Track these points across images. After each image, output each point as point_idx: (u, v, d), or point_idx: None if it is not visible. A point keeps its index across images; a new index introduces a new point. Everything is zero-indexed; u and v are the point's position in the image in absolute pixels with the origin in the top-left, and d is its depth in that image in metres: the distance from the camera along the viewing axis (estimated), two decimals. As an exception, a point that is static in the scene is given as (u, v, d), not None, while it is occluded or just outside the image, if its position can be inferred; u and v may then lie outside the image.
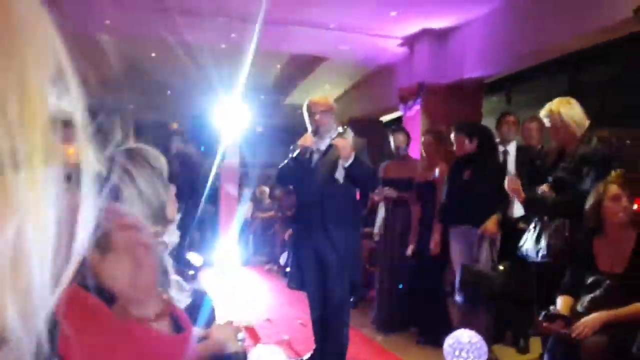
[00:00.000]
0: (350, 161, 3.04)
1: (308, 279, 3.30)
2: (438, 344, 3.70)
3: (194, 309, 1.62)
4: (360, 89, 9.26)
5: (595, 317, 2.32)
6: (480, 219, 3.49)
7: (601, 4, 4.28)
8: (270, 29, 6.31)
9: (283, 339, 4.02)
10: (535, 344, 3.88)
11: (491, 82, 6.81)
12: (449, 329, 3.75)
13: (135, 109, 11.34)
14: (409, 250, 4.06)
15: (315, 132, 3.26)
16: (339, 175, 3.10)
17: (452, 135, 3.83)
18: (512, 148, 4.15)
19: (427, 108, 6.47)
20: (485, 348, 3.18)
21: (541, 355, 2.63)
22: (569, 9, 4.62)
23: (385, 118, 9.24)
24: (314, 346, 3.44)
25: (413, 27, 6.39)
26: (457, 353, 3.15)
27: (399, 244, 4.29)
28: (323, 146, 3.26)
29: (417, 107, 6.59)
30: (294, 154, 3.25)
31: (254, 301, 5.29)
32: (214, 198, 6.80)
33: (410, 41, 6.77)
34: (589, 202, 2.59)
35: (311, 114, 3.30)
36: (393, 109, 7.71)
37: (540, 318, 2.46)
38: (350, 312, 3.40)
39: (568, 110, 3.04)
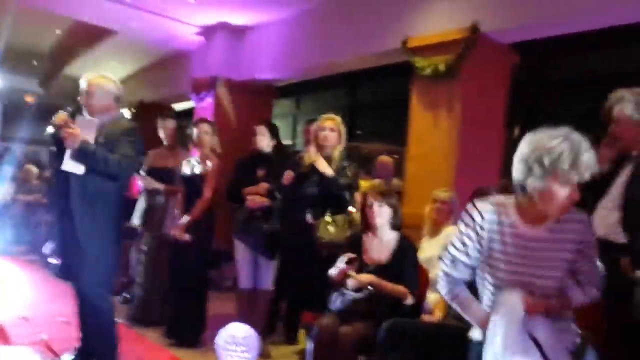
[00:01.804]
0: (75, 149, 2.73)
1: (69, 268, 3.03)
2: (189, 343, 3.77)
3: None
4: (153, 72, 8.82)
5: (367, 276, 2.74)
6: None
7: (376, 33, 4.82)
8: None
9: (40, 339, 3.63)
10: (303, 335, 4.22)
11: (284, 86, 7.15)
12: (200, 327, 3.83)
13: None
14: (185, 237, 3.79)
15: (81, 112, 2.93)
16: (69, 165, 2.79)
17: (258, 130, 3.92)
18: None
19: (220, 102, 6.50)
20: (257, 342, 3.34)
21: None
22: (351, 32, 5.11)
23: (179, 106, 8.99)
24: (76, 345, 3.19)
25: (211, 18, 6.35)
26: (230, 347, 3.25)
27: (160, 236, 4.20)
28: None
29: (210, 99, 6.57)
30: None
31: (9, 296, 4.66)
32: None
33: (207, 32, 6.71)
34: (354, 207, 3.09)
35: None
36: (185, 98, 7.54)
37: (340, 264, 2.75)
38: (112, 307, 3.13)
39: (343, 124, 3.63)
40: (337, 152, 3.55)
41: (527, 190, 1.73)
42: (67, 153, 2.77)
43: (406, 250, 2.88)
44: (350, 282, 2.76)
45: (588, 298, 1.89)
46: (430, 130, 4.27)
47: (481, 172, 4.08)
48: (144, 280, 4.27)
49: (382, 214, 2.91)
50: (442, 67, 4.11)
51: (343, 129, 3.59)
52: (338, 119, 3.60)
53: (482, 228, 1.82)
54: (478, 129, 4.17)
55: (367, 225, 2.98)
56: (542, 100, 4.84)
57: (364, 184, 3.89)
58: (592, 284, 1.88)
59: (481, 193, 2.71)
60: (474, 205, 1.86)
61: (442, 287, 1.94)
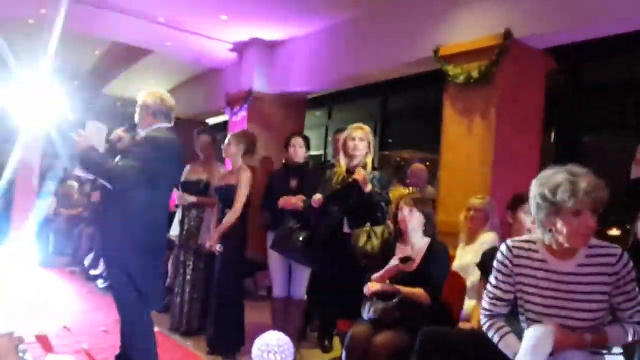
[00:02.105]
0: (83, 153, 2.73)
1: None
2: (229, 353, 3.77)
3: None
4: (187, 88, 9.05)
5: (375, 284, 2.81)
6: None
7: (407, 43, 4.83)
8: (89, 10, 5.86)
9: (81, 348, 3.72)
10: (338, 343, 4.20)
11: (315, 97, 7.22)
12: (239, 336, 3.82)
13: None
14: (216, 248, 3.80)
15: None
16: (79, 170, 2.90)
17: (293, 141, 3.98)
18: None
19: (253, 115, 6.60)
20: (292, 349, 3.34)
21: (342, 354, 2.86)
22: (382, 43, 5.13)
23: (213, 121, 9.16)
24: (114, 354, 3.27)
25: (243, 34, 6.48)
26: (265, 355, 3.26)
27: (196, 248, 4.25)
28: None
29: (244, 113, 6.67)
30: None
31: (51, 306, 4.80)
32: (7, 190, 6.03)
33: (239, 48, 6.85)
34: (389, 214, 3.07)
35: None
36: (219, 113, 7.69)
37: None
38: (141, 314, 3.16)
39: (372, 133, 3.64)
40: (367, 162, 3.52)
41: (542, 225, 1.82)
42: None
43: (436, 255, 2.85)
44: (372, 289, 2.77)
45: (631, 336, 1.84)
46: (464, 137, 4.22)
47: (518, 179, 4.00)
48: (182, 291, 4.33)
49: (412, 220, 2.89)
50: (475, 74, 4.08)
51: (372, 138, 3.57)
52: (367, 128, 3.57)
53: (512, 263, 1.90)
54: (513, 135, 4.10)
55: (398, 231, 2.97)
56: (578, 105, 4.75)
57: (396, 192, 3.88)
58: (636, 321, 1.84)
59: (519, 200, 2.67)
60: (504, 242, 1.96)
61: (482, 320, 2.00)
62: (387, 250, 2.98)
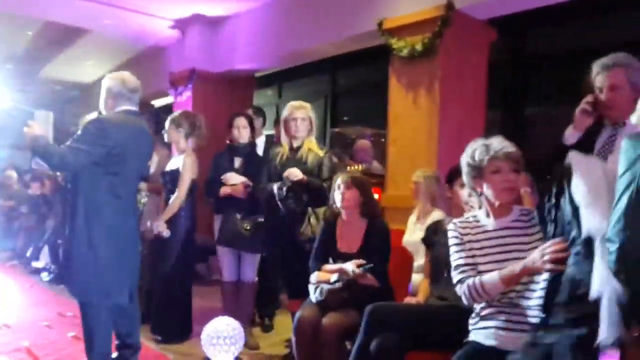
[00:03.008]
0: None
1: None
2: (176, 339, 3.71)
3: None
4: (130, 69, 8.48)
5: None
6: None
7: (352, 16, 4.74)
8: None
9: (21, 345, 3.54)
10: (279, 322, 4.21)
11: (265, 76, 7.05)
12: (185, 322, 3.77)
13: None
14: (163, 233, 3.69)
15: None
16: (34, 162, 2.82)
17: (237, 122, 3.82)
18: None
19: (199, 95, 6.40)
20: (242, 334, 3.29)
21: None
22: (327, 17, 5.03)
23: (159, 102, 8.86)
24: (57, 350, 3.15)
25: (184, 10, 6.23)
26: (214, 341, 3.19)
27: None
28: None
29: (189, 93, 6.46)
30: None
31: (-10, 304, 4.57)
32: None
33: (181, 25, 6.59)
34: (331, 192, 2.97)
35: None
36: (164, 94, 7.42)
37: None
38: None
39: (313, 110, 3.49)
40: (311, 142, 3.40)
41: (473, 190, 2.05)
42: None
43: (375, 236, 2.82)
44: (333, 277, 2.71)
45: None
46: (410, 112, 4.20)
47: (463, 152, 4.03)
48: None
49: (351, 199, 2.84)
50: (419, 47, 4.04)
51: (314, 116, 3.44)
52: (308, 105, 3.43)
53: (461, 234, 2.06)
54: (459, 107, 4.11)
55: (338, 211, 2.92)
56: (522, 76, 4.79)
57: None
58: None
59: (454, 174, 2.63)
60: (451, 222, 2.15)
61: (459, 292, 2.01)
62: (328, 232, 2.92)
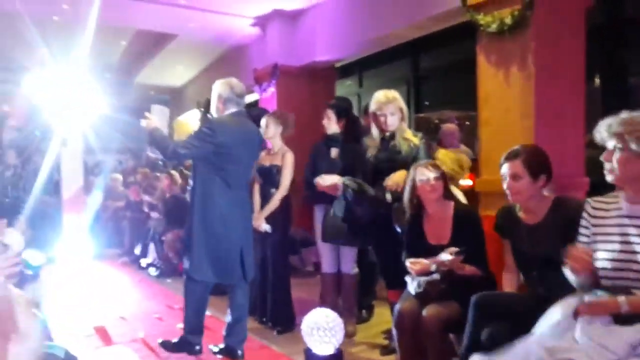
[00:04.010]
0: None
1: None
2: (282, 329, 3.84)
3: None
4: (215, 69, 9.01)
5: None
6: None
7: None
8: (111, 1, 5.84)
9: (138, 336, 3.82)
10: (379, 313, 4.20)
11: (344, 66, 7.03)
12: (288, 313, 3.90)
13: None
14: (264, 228, 3.84)
15: None
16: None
17: (325, 113, 3.89)
18: None
19: (283, 90, 6.50)
20: (341, 326, 3.32)
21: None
22: (404, 0, 4.89)
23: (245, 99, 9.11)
24: (172, 339, 3.44)
25: (264, 7, 6.34)
26: (314, 332, 3.25)
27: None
28: None
29: (272, 89, 6.58)
30: None
31: (107, 298, 4.95)
32: (54, 189, 6.20)
33: (262, 22, 6.72)
34: (407, 186, 2.88)
35: None
36: (249, 91, 7.61)
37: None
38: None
39: (400, 96, 3.38)
40: (405, 131, 3.33)
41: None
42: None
43: (464, 222, 2.72)
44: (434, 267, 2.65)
45: None
46: (502, 91, 4.00)
47: (563, 129, 3.78)
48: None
49: (439, 189, 2.77)
50: (508, 21, 3.81)
51: (403, 105, 3.36)
52: (395, 97, 3.34)
53: (590, 215, 1.96)
54: (555, 83, 3.85)
55: (419, 203, 2.83)
56: (623, 44, 4.41)
57: (445, 156, 3.73)
58: None
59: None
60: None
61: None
62: (415, 227, 2.86)
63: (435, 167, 2.85)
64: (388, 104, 3.29)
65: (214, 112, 3.30)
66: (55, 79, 5.04)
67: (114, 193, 8.21)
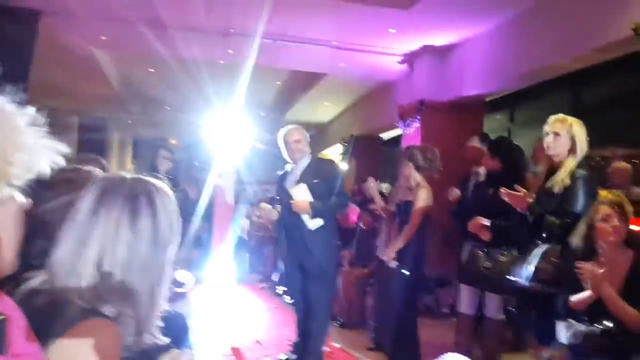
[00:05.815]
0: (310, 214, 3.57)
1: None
2: None
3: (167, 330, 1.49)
4: (361, 106, 9.19)
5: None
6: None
7: (597, 25, 4.19)
8: (269, 45, 6.28)
9: (269, 361, 3.88)
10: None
11: (494, 100, 6.71)
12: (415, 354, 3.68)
13: (133, 125, 11.32)
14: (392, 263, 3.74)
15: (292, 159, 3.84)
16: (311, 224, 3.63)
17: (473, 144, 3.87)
18: None
19: (427, 126, 6.37)
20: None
21: None
22: (566, 30, 4.54)
23: (385, 135, 9.16)
24: None
25: (413, 44, 6.34)
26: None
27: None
28: (298, 171, 3.77)
29: (417, 124, 6.49)
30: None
31: (245, 321, 5.14)
32: (207, 215, 6.70)
33: (410, 58, 6.71)
34: (580, 225, 2.50)
35: (287, 143, 3.82)
36: (392, 127, 7.62)
37: None
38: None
39: (580, 126, 2.83)
40: (570, 163, 2.75)
41: None
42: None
43: None
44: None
45: None
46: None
47: None
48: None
49: (622, 231, 2.39)
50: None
51: (578, 131, 2.78)
52: (568, 119, 2.82)
53: None
54: None
55: (594, 246, 2.43)
56: None
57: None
58: None
59: None
60: None
61: None
62: (572, 274, 2.43)
63: (621, 206, 2.44)
64: (557, 123, 2.80)
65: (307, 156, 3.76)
66: (218, 116, 5.52)
67: (259, 222, 8.65)
